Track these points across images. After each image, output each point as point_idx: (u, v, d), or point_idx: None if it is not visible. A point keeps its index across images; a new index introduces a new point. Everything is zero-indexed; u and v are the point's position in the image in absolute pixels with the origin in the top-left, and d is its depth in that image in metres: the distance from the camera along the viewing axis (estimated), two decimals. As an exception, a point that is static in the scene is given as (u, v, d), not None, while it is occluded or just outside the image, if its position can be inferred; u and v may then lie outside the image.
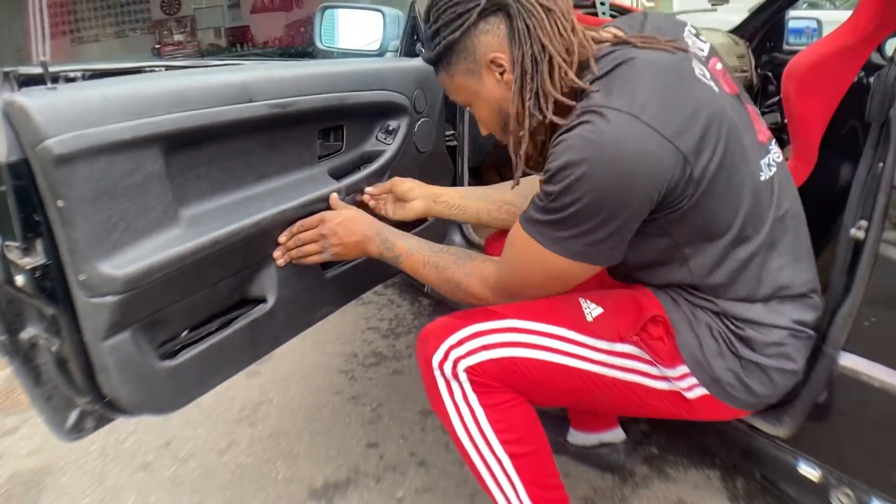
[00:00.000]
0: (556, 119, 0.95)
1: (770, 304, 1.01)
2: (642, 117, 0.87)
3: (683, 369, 1.01)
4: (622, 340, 1.01)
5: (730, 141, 0.94)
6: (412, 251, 1.14)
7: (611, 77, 0.93)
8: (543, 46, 0.95)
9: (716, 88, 0.98)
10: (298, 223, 1.18)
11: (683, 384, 1.01)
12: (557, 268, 0.96)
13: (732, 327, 1.00)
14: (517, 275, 1.03)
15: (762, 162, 1.01)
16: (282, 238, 1.18)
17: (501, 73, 1.00)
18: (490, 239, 1.46)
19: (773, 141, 1.08)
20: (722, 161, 0.92)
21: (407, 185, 1.32)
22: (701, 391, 1.01)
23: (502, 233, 1.34)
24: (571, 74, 0.95)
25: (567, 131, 0.90)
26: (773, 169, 1.04)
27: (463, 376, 1.00)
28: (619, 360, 1.02)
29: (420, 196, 1.32)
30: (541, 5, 0.95)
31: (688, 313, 1.02)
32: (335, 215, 1.19)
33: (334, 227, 1.17)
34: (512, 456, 1.02)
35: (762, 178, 1.00)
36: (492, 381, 1.00)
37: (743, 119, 1.02)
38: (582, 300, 1.05)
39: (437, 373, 1.02)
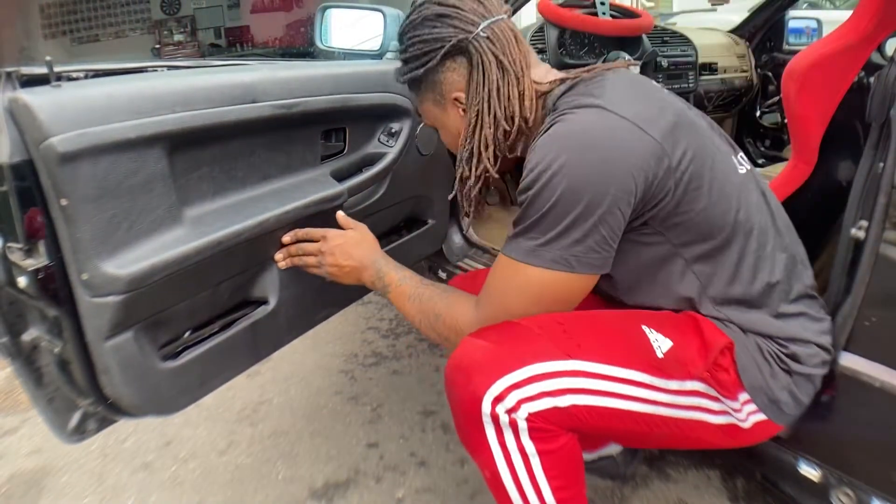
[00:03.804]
0: (490, 168, 1.01)
1: (797, 317, 1.00)
2: (612, 109, 0.89)
3: (744, 397, 0.98)
4: (691, 377, 0.96)
5: (700, 135, 0.96)
6: (402, 283, 1.11)
7: (573, 90, 0.98)
8: (488, 107, 0.99)
9: (677, 98, 1.03)
10: (304, 231, 1.18)
11: (742, 414, 0.98)
12: (535, 285, 0.92)
13: (777, 346, 0.99)
14: (497, 300, 0.97)
15: (735, 158, 1.03)
16: (285, 238, 1.17)
17: (464, 111, 1.03)
18: (456, 279, 1.42)
19: (740, 152, 1.09)
20: (696, 152, 0.93)
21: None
22: (756, 418, 0.99)
23: (471, 275, 1.36)
24: (501, 143, 1.01)
25: (540, 137, 0.92)
26: (748, 166, 1.06)
27: (522, 424, 0.89)
28: (686, 399, 0.97)
29: None
30: (498, 63, 0.98)
31: (741, 336, 0.99)
32: (338, 236, 1.17)
33: (333, 247, 1.15)
34: (560, 501, 0.94)
35: (741, 172, 1.02)
36: (552, 426, 0.91)
37: (706, 122, 1.05)
38: (647, 330, 0.97)
39: (485, 414, 0.90)
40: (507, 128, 0.99)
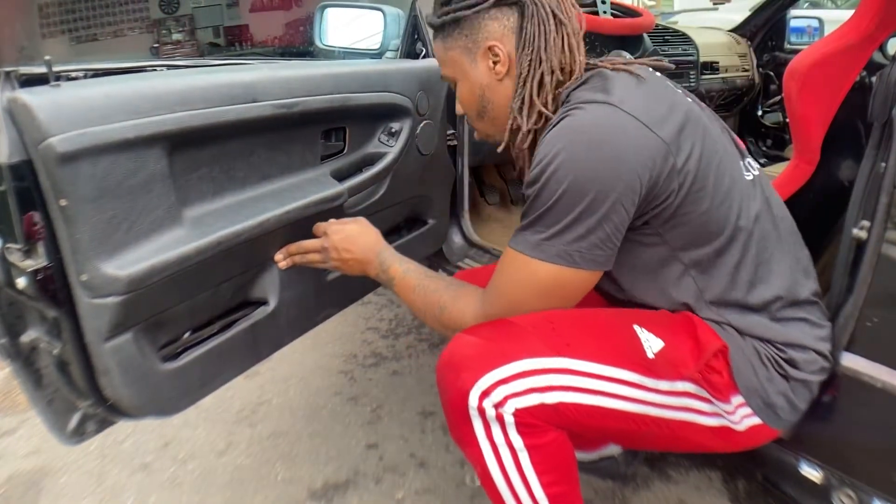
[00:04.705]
0: (530, 126, 1.01)
1: (797, 323, 1.00)
2: (621, 107, 0.90)
3: (738, 400, 0.98)
4: (681, 378, 0.96)
5: (708, 138, 0.96)
6: (406, 274, 1.11)
7: (587, 84, 0.98)
8: (541, 58, 0.99)
9: (689, 98, 1.03)
10: (296, 245, 1.19)
11: (735, 416, 0.98)
12: (540, 279, 0.93)
13: (775, 350, 0.99)
14: (501, 293, 0.98)
15: (742, 163, 1.04)
16: (277, 257, 1.19)
17: (494, 63, 1.02)
18: (461, 273, 1.42)
19: (749, 156, 1.09)
20: (703, 154, 0.93)
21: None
22: (751, 421, 0.99)
23: (476, 270, 1.36)
24: (552, 92, 1.00)
25: (549, 131, 0.93)
26: (756, 172, 1.05)
27: (509, 418, 0.89)
28: (676, 399, 0.96)
29: None
30: (554, 16, 0.98)
31: (738, 339, 0.99)
32: (339, 230, 1.17)
33: (336, 242, 1.15)
34: (551, 497, 0.95)
35: (748, 178, 1.02)
36: (539, 421, 0.91)
37: (718, 125, 1.05)
38: (638, 329, 0.97)
39: (472, 408, 0.90)
40: (561, 78, 1.00)
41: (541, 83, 1.00)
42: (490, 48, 1.01)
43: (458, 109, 1.14)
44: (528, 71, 0.99)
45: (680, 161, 0.90)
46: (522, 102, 1.01)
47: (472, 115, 1.11)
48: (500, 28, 1.00)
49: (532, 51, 0.99)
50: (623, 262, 0.97)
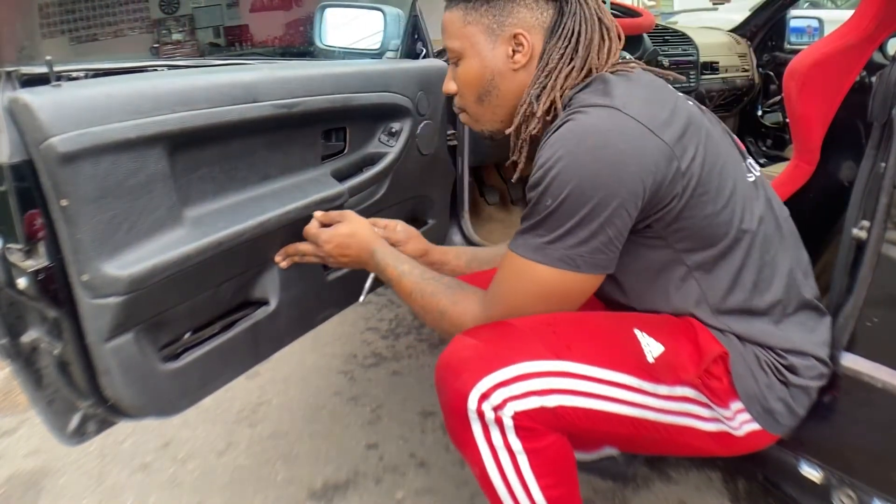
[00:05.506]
0: (559, 102, 0.98)
1: (797, 328, 1.00)
2: (624, 110, 0.89)
3: (737, 406, 0.98)
4: (681, 383, 0.96)
5: (710, 140, 0.95)
6: (402, 278, 1.09)
7: (589, 87, 0.97)
8: (575, 55, 0.98)
9: (689, 101, 1.02)
10: (293, 247, 1.18)
11: (735, 422, 0.98)
12: (543, 283, 0.92)
13: (775, 357, 0.98)
14: (502, 297, 0.97)
15: (744, 164, 1.03)
16: (277, 258, 1.19)
17: (514, 52, 1.00)
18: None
19: (749, 157, 1.09)
20: (706, 157, 0.92)
21: (399, 235, 1.26)
22: (750, 427, 0.99)
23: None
24: (570, 88, 0.99)
25: (551, 134, 0.92)
26: (757, 173, 1.05)
27: (508, 421, 0.88)
28: (675, 404, 0.96)
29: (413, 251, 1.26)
30: (600, 21, 0.99)
31: (738, 345, 0.99)
32: (329, 239, 1.15)
33: (330, 251, 1.15)
34: (550, 500, 0.94)
35: (750, 180, 1.01)
36: (538, 425, 0.90)
37: (720, 128, 1.05)
38: (639, 333, 0.97)
39: (471, 410, 0.89)
40: (577, 80, 0.99)
41: (566, 77, 0.98)
42: (515, 36, 0.99)
43: (450, 87, 1.09)
44: (558, 65, 0.98)
45: (684, 164, 0.90)
46: (542, 90, 0.99)
47: (470, 98, 1.07)
48: (531, 18, 0.98)
49: (567, 46, 0.97)
50: (626, 265, 0.96)
